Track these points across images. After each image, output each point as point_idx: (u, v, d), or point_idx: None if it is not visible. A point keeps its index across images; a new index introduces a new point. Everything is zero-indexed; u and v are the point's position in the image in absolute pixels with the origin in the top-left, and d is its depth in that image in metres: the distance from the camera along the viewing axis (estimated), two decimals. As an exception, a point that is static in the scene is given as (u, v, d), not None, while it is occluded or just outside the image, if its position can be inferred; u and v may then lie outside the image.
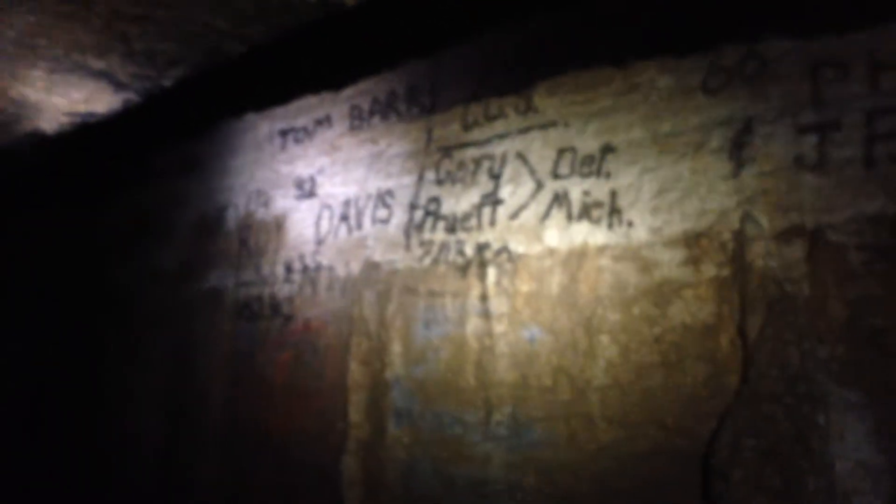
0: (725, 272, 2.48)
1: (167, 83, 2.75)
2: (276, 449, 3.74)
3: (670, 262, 2.62)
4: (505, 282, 3.08)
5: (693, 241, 2.58)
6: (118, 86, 2.80)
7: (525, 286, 3.01)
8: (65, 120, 3.10)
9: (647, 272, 2.67)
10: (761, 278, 2.41)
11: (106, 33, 2.41)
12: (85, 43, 2.48)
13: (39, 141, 3.34)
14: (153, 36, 2.45)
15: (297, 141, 4.05)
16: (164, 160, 4.77)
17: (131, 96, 2.88)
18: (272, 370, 3.85)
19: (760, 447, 2.31)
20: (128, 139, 4.74)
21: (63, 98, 2.90)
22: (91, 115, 3.00)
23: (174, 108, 3.35)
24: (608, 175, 2.86)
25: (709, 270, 2.53)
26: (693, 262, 2.57)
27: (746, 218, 2.47)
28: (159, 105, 2.97)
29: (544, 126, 3.10)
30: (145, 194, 4.86)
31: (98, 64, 2.66)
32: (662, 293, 2.62)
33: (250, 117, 4.30)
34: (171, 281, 4.54)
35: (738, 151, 2.54)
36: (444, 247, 3.31)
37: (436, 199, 3.40)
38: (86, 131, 3.29)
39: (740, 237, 2.48)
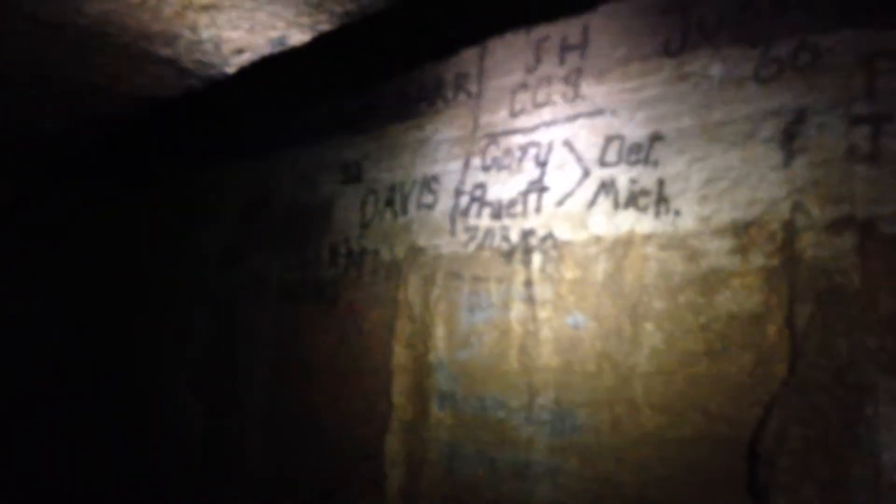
0: (774, 262, 2.49)
1: (230, 70, 2.80)
2: (320, 430, 3.81)
3: (718, 251, 2.63)
4: (550, 268, 3.10)
5: (742, 231, 2.58)
6: (181, 72, 2.86)
7: (570, 273, 3.04)
8: (129, 105, 3.18)
9: (694, 261, 2.68)
10: (810, 269, 2.41)
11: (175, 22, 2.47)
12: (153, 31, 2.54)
13: (99, 127, 3.42)
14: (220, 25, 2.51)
15: (343, 126, 4.10)
16: (213, 147, 4.84)
17: (193, 82, 2.95)
18: (316, 353, 3.92)
19: (807, 436, 2.32)
20: (184, 126, 4.83)
21: (128, 83, 2.97)
22: (155, 99, 3.08)
23: (230, 95, 3.42)
24: (656, 163, 2.87)
25: (757, 260, 2.53)
26: (741, 251, 2.57)
27: (797, 208, 2.47)
28: (218, 92, 3.04)
29: (592, 114, 3.11)
30: (195, 180, 4.94)
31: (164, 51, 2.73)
32: (709, 282, 2.63)
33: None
34: (217, 264, 4.61)
35: (789, 142, 2.54)
36: (489, 233, 3.35)
37: (481, 186, 3.42)
38: (146, 117, 3.36)
39: (790, 227, 2.48)
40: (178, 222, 4.96)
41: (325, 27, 2.46)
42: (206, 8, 2.40)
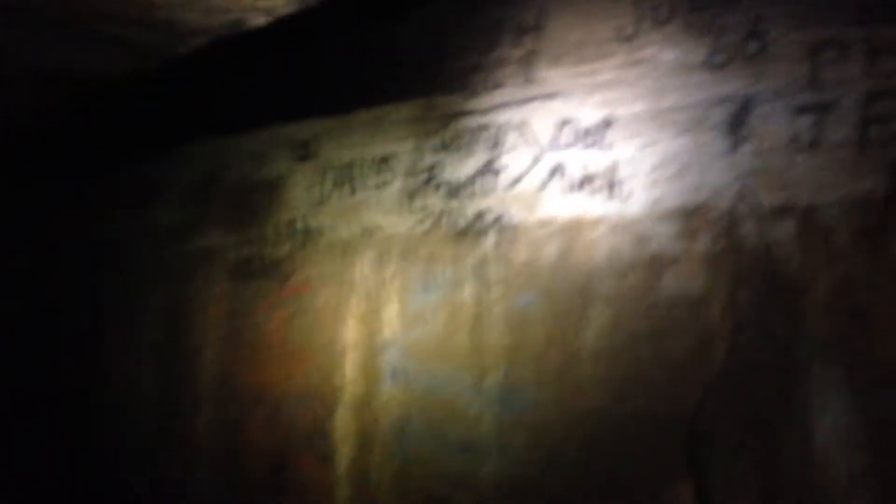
0: (718, 247, 2.56)
1: (185, 52, 2.77)
2: (271, 405, 3.81)
3: (665, 235, 2.69)
4: (502, 249, 3.14)
5: (688, 216, 2.64)
6: (135, 53, 2.83)
7: (522, 254, 3.08)
8: (77, 89, 3.12)
9: (642, 244, 2.74)
10: (752, 254, 2.48)
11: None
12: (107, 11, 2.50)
13: (54, 111, 3.36)
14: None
15: (297, 104, 4.07)
16: (169, 127, 4.78)
17: (147, 64, 2.91)
18: (269, 328, 3.91)
19: (745, 416, 2.40)
20: (138, 108, 4.75)
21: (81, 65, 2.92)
22: (109, 80, 3.03)
23: (188, 76, 3.39)
24: (608, 147, 2.92)
25: (702, 245, 2.59)
26: (687, 235, 2.64)
27: (741, 194, 2.54)
28: (174, 73, 3.00)
29: (546, 97, 3.14)
30: (149, 159, 4.87)
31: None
32: (655, 265, 2.69)
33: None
34: (170, 240, 4.57)
35: (736, 129, 2.60)
36: (442, 213, 3.37)
37: (436, 166, 3.44)
38: (97, 100, 3.31)
39: (734, 213, 2.55)
40: (135, 202, 4.89)
41: (283, 11, 2.45)
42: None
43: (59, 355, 5.12)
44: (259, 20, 2.54)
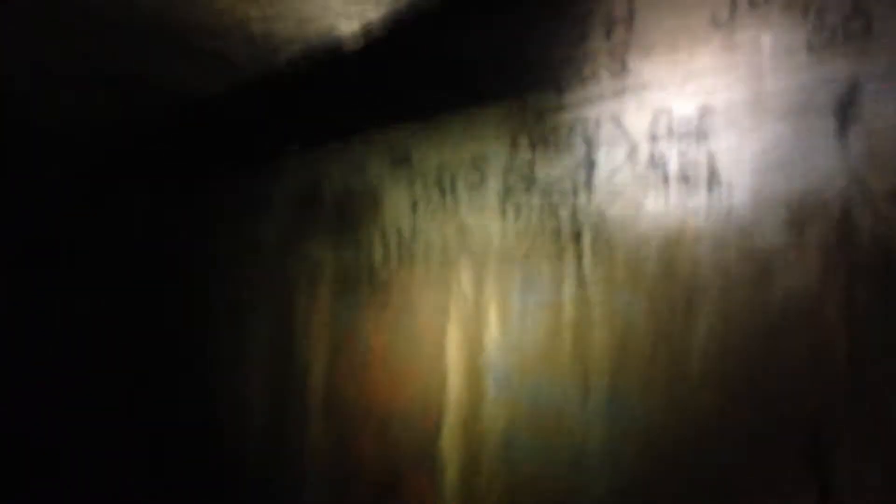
0: (831, 237, 2.43)
1: (280, 63, 2.82)
2: (377, 419, 3.85)
3: (773, 225, 2.57)
4: (601, 246, 3.07)
5: (797, 204, 2.52)
6: (232, 66, 2.89)
7: (622, 250, 3.01)
8: (182, 99, 3.22)
9: (748, 236, 2.63)
10: (870, 242, 2.35)
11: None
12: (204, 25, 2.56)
13: (155, 122, 3.48)
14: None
15: (391, 109, 4.09)
16: (268, 140, 4.87)
17: (244, 75, 2.97)
18: (372, 338, 3.95)
19: (871, 417, 2.28)
20: (240, 119, 4.87)
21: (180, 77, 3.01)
22: (207, 93, 3.11)
23: (285, 87, 3.45)
24: (706, 136, 2.81)
25: (814, 234, 2.47)
26: (797, 224, 2.51)
27: (853, 180, 2.40)
28: (273, 86, 3.06)
29: (640, 88, 3.05)
30: (252, 172, 4.98)
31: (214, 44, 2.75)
32: (764, 258, 2.58)
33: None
34: (271, 252, 4.66)
35: (843, 112, 2.46)
36: (538, 211, 3.32)
37: (530, 164, 3.40)
38: (195, 113, 3.41)
39: (847, 199, 2.41)
40: (238, 215, 5.02)
41: (371, 16, 2.45)
42: (256, 1, 2.40)
43: (171, 375, 5.30)
44: (350, 26, 2.56)
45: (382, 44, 3.49)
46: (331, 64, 3.78)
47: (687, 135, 2.88)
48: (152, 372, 5.49)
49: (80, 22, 2.69)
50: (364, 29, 2.73)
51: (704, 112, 2.84)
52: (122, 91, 3.53)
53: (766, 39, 2.68)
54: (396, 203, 3.97)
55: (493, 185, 3.53)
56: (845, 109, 2.46)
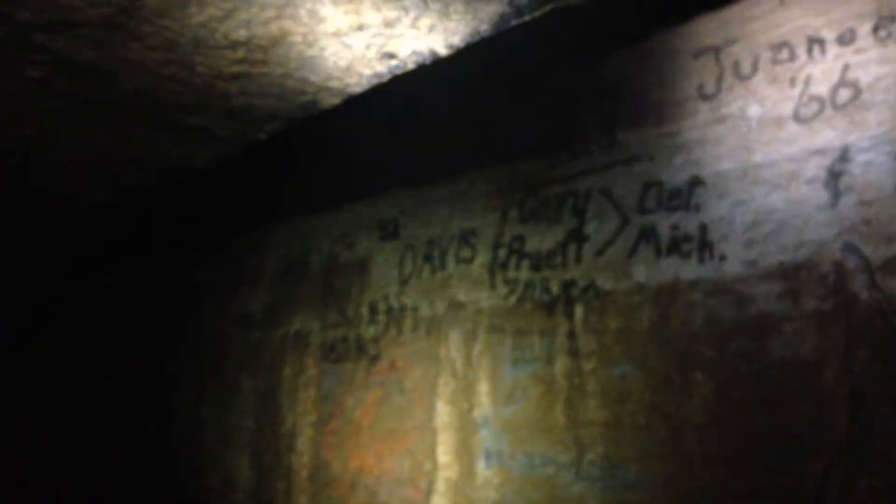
0: (827, 305, 2.41)
1: (263, 136, 2.83)
2: (366, 490, 3.74)
3: (767, 296, 2.55)
4: (593, 319, 3.04)
5: (791, 274, 2.51)
6: (215, 140, 2.90)
7: (614, 323, 2.97)
8: (168, 174, 3.23)
9: (743, 306, 2.61)
10: (866, 311, 2.33)
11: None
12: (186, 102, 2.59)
13: (141, 197, 3.48)
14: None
15: (379, 182, 4.10)
16: (254, 211, 4.87)
17: (227, 150, 2.98)
18: (359, 411, 3.87)
19: (875, 486, 2.21)
20: (226, 192, 4.87)
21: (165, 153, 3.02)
22: (192, 168, 3.12)
23: (268, 160, 3.47)
24: (697, 208, 2.82)
25: (809, 304, 2.45)
26: (791, 295, 2.50)
27: (847, 249, 2.40)
28: (252, 157, 3.07)
29: (628, 160, 3.07)
30: (238, 243, 4.95)
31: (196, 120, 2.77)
32: (760, 328, 2.55)
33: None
34: (258, 325, 4.61)
35: (834, 181, 2.47)
36: (529, 285, 3.30)
37: (520, 238, 3.39)
38: (182, 188, 3.41)
39: (841, 269, 2.40)
40: (223, 286, 4.98)
41: (354, 90, 2.48)
42: (235, 77, 2.43)
43: (157, 454, 5.17)
44: (332, 100, 2.58)
45: (366, 116, 3.51)
46: (315, 137, 3.79)
47: (678, 207, 2.88)
48: (138, 451, 5.35)
49: (64, 103, 2.70)
50: (347, 103, 2.75)
51: (694, 184, 2.85)
52: (109, 168, 3.53)
53: (754, 110, 2.72)
54: (385, 275, 3.94)
55: (483, 258, 3.51)
56: (836, 179, 2.47)
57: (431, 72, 2.38)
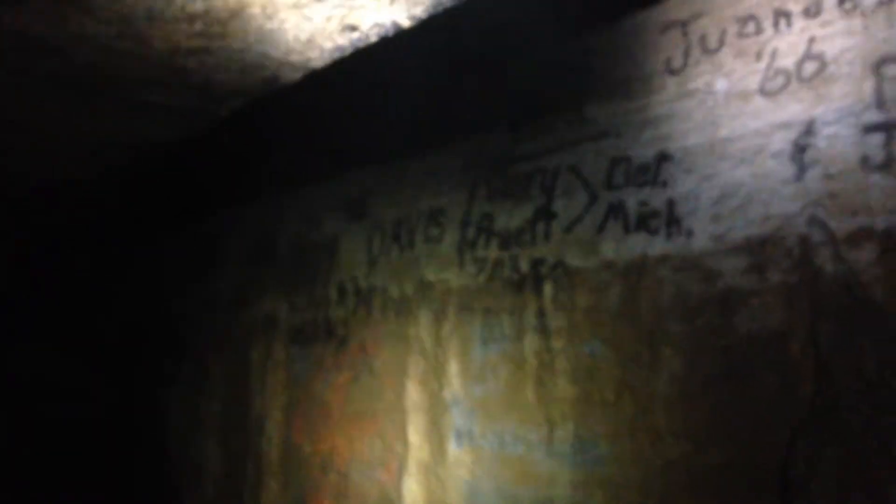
0: (793, 278, 2.41)
1: (224, 113, 2.78)
2: (337, 473, 3.72)
3: (734, 270, 2.55)
4: (562, 297, 3.03)
5: (757, 248, 2.50)
6: (177, 116, 2.84)
7: (583, 300, 2.97)
8: (132, 151, 3.16)
9: (710, 281, 2.61)
10: (831, 284, 2.33)
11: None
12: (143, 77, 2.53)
13: (109, 174, 3.40)
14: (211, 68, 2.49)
15: (346, 161, 4.06)
16: (220, 189, 4.81)
17: (189, 126, 2.92)
18: (329, 394, 3.85)
19: (840, 458, 2.22)
20: (188, 171, 4.80)
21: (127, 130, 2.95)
22: (156, 145, 3.05)
23: (232, 138, 3.41)
24: (665, 184, 2.81)
25: (775, 277, 2.45)
26: (758, 269, 2.50)
27: (812, 222, 2.40)
28: (217, 136, 3.00)
29: (596, 136, 3.06)
30: (206, 224, 4.89)
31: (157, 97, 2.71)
32: (727, 302, 2.55)
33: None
34: (227, 307, 4.56)
35: (800, 154, 2.47)
36: (498, 263, 3.28)
37: (488, 216, 3.37)
38: (149, 164, 3.34)
39: (807, 242, 2.40)
40: (190, 267, 4.92)
41: (316, 64, 2.43)
42: (194, 51, 2.37)
43: (125, 440, 5.12)
44: (293, 75, 2.53)
45: (330, 93, 3.46)
46: (280, 114, 3.73)
47: (645, 182, 2.87)
48: (106, 438, 5.29)
49: (18, 79, 2.63)
50: (310, 78, 2.70)
51: (662, 159, 2.84)
52: (73, 147, 3.45)
53: (721, 84, 2.71)
54: (353, 256, 3.91)
55: (452, 237, 3.49)
56: (802, 153, 2.47)
57: (397, 47, 2.34)
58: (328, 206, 4.10)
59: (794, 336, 2.37)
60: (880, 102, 2.34)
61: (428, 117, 3.71)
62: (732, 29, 2.71)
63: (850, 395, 2.24)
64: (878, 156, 2.31)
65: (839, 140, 2.39)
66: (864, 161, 2.33)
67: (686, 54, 2.82)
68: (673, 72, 2.85)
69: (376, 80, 3.28)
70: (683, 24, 2.85)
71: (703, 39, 2.79)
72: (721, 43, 2.74)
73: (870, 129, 2.34)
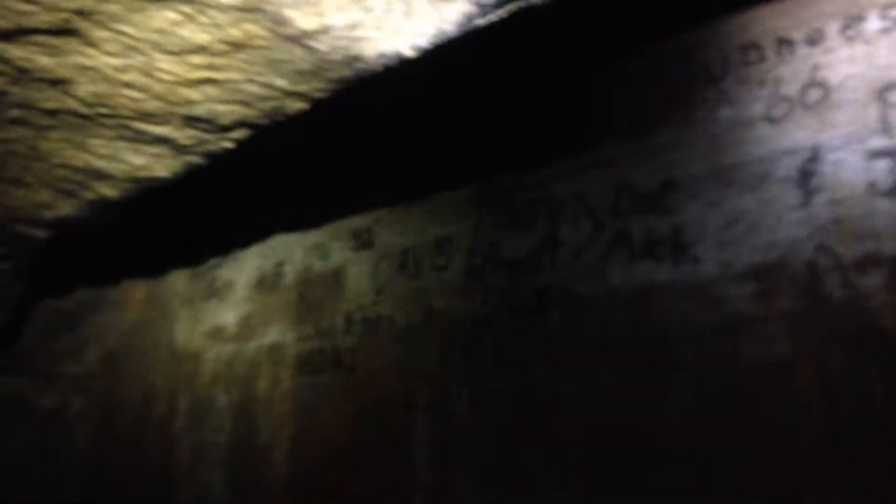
0: (800, 305, 2.39)
1: (229, 145, 2.78)
2: None
3: (741, 297, 2.54)
4: (569, 324, 3.02)
5: (764, 275, 2.49)
6: (180, 150, 2.84)
7: (589, 328, 2.95)
8: (132, 186, 3.15)
9: (717, 308, 2.59)
10: (839, 310, 2.31)
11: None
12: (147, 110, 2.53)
13: (103, 209, 3.38)
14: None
15: (352, 191, 4.07)
16: (224, 221, 4.82)
17: (193, 160, 2.92)
18: (337, 424, 3.82)
19: (851, 486, 2.20)
20: (191, 201, 4.81)
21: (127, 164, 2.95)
22: (157, 179, 3.05)
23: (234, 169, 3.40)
24: (670, 211, 2.81)
25: (782, 304, 2.44)
26: (765, 295, 2.48)
27: (819, 248, 2.39)
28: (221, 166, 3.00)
29: (601, 164, 3.06)
30: (207, 256, 4.90)
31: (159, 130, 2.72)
32: (734, 329, 2.53)
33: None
34: (232, 338, 4.55)
35: (806, 180, 2.46)
36: (504, 291, 3.27)
37: (495, 244, 3.36)
38: (150, 197, 3.33)
39: (814, 268, 2.39)
40: (194, 299, 4.92)
41: (319, 95, 2.44)
42: (197, 83, 2.38)
43: (134, 463, 5.09)
44: (299, 105, 2.53)
45: (333, 124, 3.47)
46: (284, 145, 3.73)
47: (651, 210, 2.87)
48: (109, 467, 5.27)
49: (18, 114, 2.63)
50: (314, 108, 2.71)
51: (667, 186, 2.84)
52: (69, 182, 3.42)
53: (725, 112, 2.71)
54: (360, 285, 3.90)
55: (459, 265, 3.48)
56: (808, 179, 2.47)
57: (402, 77, 2.35)
58: (334, 236, 4.10)
59: (802, 363, 2.35)
60: (886, 128, 2.34)
61: (434, 147, 3.72)
62: (736, 57, 2.72)
63: (859, 423, 2.22)
64: (884, 181, 2.31)
65: (845, 166, 2.39)
66: (871, 187, 2.33)
67: (690, 81, 2.83)
68: (677, 99, 2.85)
69: (383, 110, 3.29)
70: (687, 53, 2.86)
71: (707, 67, 2.80)
72: (724, 71, 2.75)
73: (875, 154, 2.34)
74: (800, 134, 2.51)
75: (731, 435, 2.47)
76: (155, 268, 5.29)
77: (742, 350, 2.50)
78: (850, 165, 2.38)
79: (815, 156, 2.46)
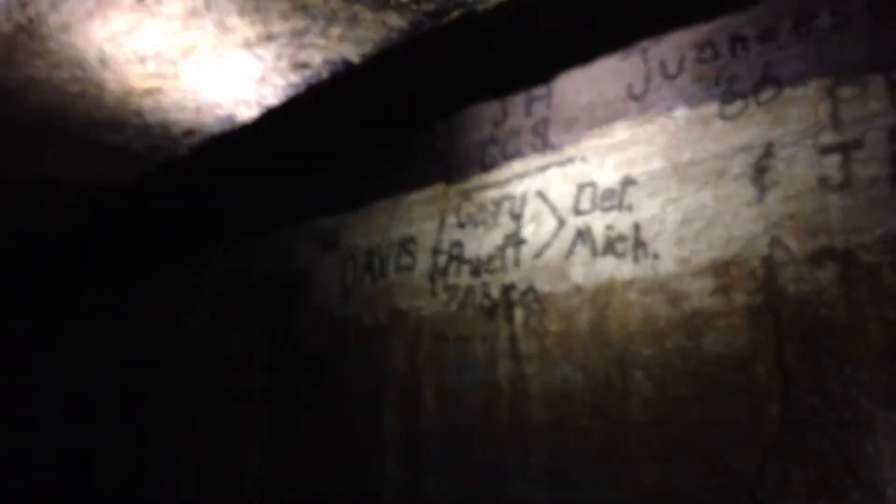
0: (757, 299, 2.43)
1: (183, 152, 2.76)
2: (314, 505, 3.69)
3: (700, 293, 2.57)
4: (533, 322, 3.03)
5: (722, 270, 2.52)
6: (134, 158, 2.82)
7: (554, 325, 2.97)
8: (88, 194, 3.12)
9: (677, 304, 2.62)
10: (795, 304, 2.35)
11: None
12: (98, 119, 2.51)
13: (61, 218, 3.36)
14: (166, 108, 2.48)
15: (317, 195, 4.05)
16: (191, 226, 4.79)
17: (148, 168, 2.90)
18: (307, 426, 3.82)
19: (809, 478, 2.23)
20: (153, 209, 4.78)
21: (83, 173, 2.93)
22: (113, 187, 3.02)
23: (192, 175, 3.38)
24: (630, 208, 2.83)
25: (740, 298, 2.47)
26: (723, 290, 2.51)
27: (774, 243, 2.42)
28: (177, 174, 2.98)
29: (562, 163, 3.07)
30: (176, 262, 4.87)
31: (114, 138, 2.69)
32: (694, 324, 2.56)
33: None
34: (201, 343, 4.53)
35: (760, 176, 2.49)
36: (469, 290, 3.28)
37: (459, 244, 3.37)
38: (108, 203, 3.31)
39: (770, 263, 2.42)
40: (162, 304, 4.89)
41: (270, 102, 2.43)
42: (149, 92, 2.36)
43: (106, 466, 5.06)
44: (249, 112, 2.52)
45: (287, 130, 3.45)
46: (240, 151, 3.71)
47: (611, 207, 2.89)
48: (82, 472, 5.23)
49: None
50: (266, 116, 2.69)
51: (627, 183, 2.86)
52: (24, 192, 3.39)
53: (681, 110, 2.73)
54: (327, 287, 3.90)
55: (423, 265, 3.49)
56: (762, 175, 2.49)
57: (356, 82, 2.35)
58: (301, 238, 4.09)
59: (761, 357, 2.39)
60: (836, 124, 2.38)
61: (398, 147, 3.72)
62: (691, 55, 2.74)
63: (816, 415, 2.25)
64: (835, 176, 2.34)
65: (797, 162, 2.42)
66: (823, 182, 2.36)
67: (647, 79, 2.85)
68: (635, 97, 2.87)
69: (337, 117, 3.27)
70: (644, 51, 2.88)
71: (663, 65, 2.82)
72: (680, 68, 2.77)
73: (826, 150, 2.37)
74: (754, 130, 2.55)
75: (693, 429, 2.49)
76: (118, 274, 5.25)
77: (703, 345, 2.53)
78: (802, 161, 2.41)
79: (768, 152, 2.50)
